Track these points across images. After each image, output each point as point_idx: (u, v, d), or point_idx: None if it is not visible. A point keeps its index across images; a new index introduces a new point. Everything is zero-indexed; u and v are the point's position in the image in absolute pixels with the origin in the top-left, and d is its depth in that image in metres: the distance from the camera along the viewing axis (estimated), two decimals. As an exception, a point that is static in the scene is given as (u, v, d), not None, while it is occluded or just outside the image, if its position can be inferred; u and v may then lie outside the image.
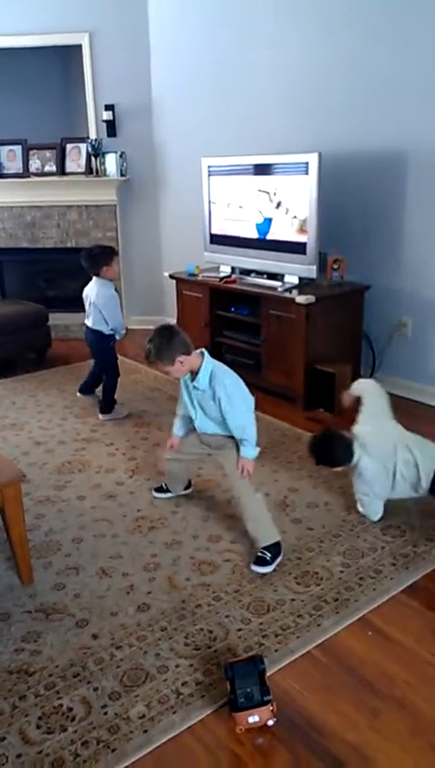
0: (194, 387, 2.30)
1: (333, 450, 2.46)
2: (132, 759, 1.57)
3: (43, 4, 4.84)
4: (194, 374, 2.28)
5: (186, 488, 2.74)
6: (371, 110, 3.60)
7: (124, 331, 3.60)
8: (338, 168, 3.71)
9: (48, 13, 4.85)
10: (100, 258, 3.42)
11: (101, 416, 3.62)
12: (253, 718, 1.62)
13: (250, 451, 2.31)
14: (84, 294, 3.53)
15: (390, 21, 3.40)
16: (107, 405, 3.63)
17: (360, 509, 2.54)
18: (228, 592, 2.14)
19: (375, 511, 2.50)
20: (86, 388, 3.82)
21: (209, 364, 2.28)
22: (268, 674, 1.73)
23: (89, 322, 3.53)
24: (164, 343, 2.21)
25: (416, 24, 3.29)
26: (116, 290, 3.56)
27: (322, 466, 2.63)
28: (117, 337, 3.58)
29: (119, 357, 3.74)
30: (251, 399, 2.38)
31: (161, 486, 2.76)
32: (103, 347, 3.58)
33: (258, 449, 2.34)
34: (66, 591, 2.17)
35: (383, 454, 2.41)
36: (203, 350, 2.32)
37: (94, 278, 3.47)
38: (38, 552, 2.39)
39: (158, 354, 2.22)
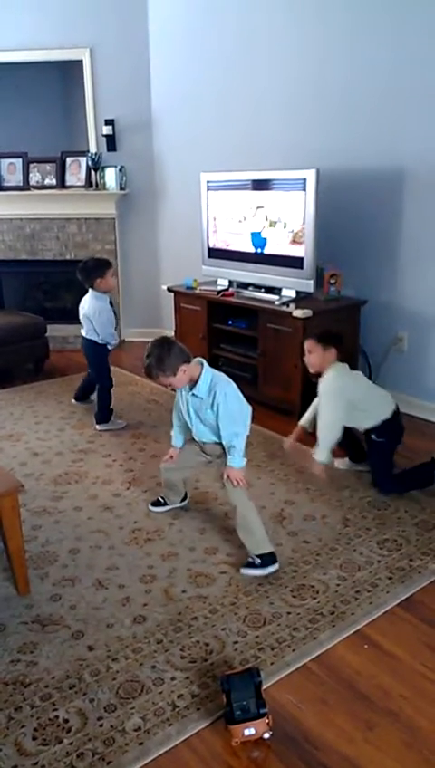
0: (193, 395, 2.31)
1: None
2: (128, 771, 1.57)
3: (45, 20, 4.91)
4: (193, 383, 2.30)
5: (182, 500, 2.75)
6: (369, 127, 3.65)
7: (115, 342, 3.63)
8: (336, 183, 3.76)
9: (49, 28, 4.92)
10: (93, 271, 3.47)
11: (97, 426, 3.63)
12: (249, 731, 1.62)
13: (238, 460, 2.32)
14: (80, 306, 3.60)
15: (389, 38, 3.46)
16: (102, 415, 3.65)
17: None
18: (225, 605, 2.15)
19: None
20: (81, 395, 3.91)
21: (209, 372, 2.31)
22: (264, 687, 1.73)
23: (83, 332, 3.61)
24: (165, 355, 2.23)
25: (416, 42, 3.35)
26: (111, 303, 3.59)
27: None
28: (108, 347, 3.62)
29: (115, 368, 3.78)
30: (248, 409, 2.40)
31: (158, 500, 2.76)
32: (96, 355, 3.63)
33: (245, 460, 2.35)
34: (62, 603, 2.17)
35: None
36: (201, 359, 2.34)
37: (90, 290, 3.53)
38: (34, 563, 2.39)
39: (160, 366, 2.23)
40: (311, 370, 2.87)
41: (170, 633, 2.02)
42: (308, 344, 2.84)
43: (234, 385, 2.37)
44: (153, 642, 1.98)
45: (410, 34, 3.36)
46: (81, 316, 3.59)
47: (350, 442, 2.98)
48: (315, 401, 2.88)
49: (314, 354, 2.81)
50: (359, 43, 3.60)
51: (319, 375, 2.82)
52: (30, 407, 4.02)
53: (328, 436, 2.70)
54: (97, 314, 3.50)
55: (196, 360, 2.32)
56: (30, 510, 2.76)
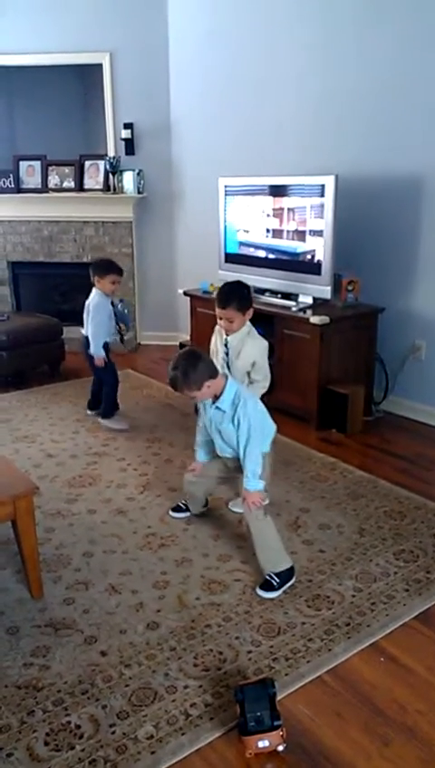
0: (216, 407, 2.29)
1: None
2: (140, 780, 1.56)
3: (65, 24, 4.94)
4: (216, 396, 2.28)
5: (203, 506, 2.73)
6: (388, 134, 3.63)
7: (101, 354, 3.61)
8: (354, 190, 3.73)
9: (69, 32, 4.95)
10: (96, 268, 3.59)
11: (100, 420, 3.70)
12: (263, 743, 1.60)
13: (253, 483, 2.24)
14: (87, 301, 3.66)
15: (409, 46, 3.44)
16: (106, 410, 3.70)
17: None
18: (238, 613, 2.13)
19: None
20: (94, 403, 3.88)
21: (234, 385, 2.28)
22: (278, 698, 1.71)
23: (83, 330, 3.68)
24: (190, 369, 2.19)
25: (436, 52, 3.33)
26: (113, 304, 3.66)
27: None
28: (108, 340, 3.67)
29: (130, 371, 3.78)
30: (272, 429, 2.40)
31: (179, 506, 2.75)
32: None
33: (263, 482, 2.27)
34: (75, 607, 2.16)
35: None
36: (227, 372, 2.33)
37: (94, 288, 3.62)
38: (48, 565, 2.39)
39: (185, 380, 2.19)
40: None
41: (184, 640, 2.00)
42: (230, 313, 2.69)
43: (260, 403, 2.37)
44: (166, 649, 1.97)
45: (429, 42, 3.34)
46: (85, 311, 3.65)
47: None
48: None
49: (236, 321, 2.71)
50: (379, 50, 3.58)
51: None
52: (45, 408, 4.03)
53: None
54: (92, 309, 3.56)
55: (222, 373, 2.30)
56: (44, 512, 2.76)
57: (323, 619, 2.09)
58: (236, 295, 2.69)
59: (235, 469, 2.42)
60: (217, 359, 2.76)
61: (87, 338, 3.62)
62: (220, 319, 2.73)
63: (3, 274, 5.48)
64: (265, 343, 2.77)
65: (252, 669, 1.89)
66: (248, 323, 2.78)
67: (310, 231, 3.69)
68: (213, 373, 2.23)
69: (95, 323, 3.57)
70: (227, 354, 2.76)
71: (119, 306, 3.68)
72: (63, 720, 1.72)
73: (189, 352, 2.30)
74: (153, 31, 4.95)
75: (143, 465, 3.22)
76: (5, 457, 2.62)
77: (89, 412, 3.87)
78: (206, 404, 2.35)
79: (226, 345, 2.75)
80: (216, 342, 2.85)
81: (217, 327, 2.84)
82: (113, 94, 5.09)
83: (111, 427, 3.65)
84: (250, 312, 2.73)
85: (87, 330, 3.61)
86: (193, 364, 2.20)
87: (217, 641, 2.00)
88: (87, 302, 3.63)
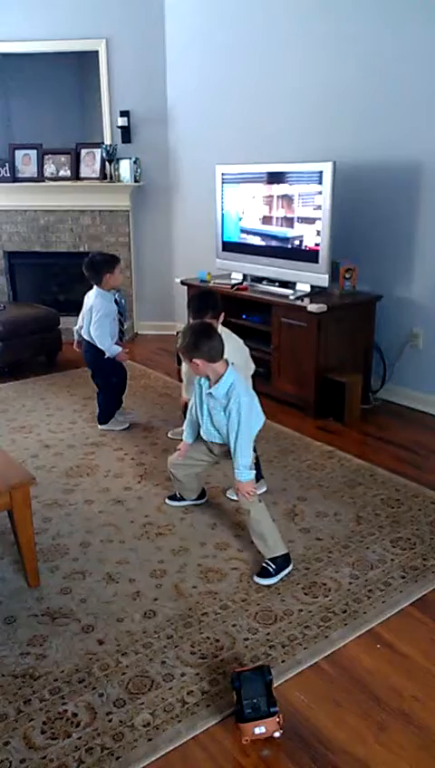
0: (209, 393, 2.29)
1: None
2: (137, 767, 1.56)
3: (61, 11, 4.89)
4: (214, 381, 2.27)
5: (199, 497, 2.73)
6: (386, 121, 3.60)
7: (112, 353, 3.36)
8: (352, 177, 3.71)
9: (65, 19, 4.90)
10: (103, 266, 3.28)
11: (100, 426, 3.53)
12: (259, 729, 1.60)
13: (244, 474, 2.22)
14: (84, 302, 3.39)
15: (407, 33, 3.40)
16: (106, 414, 3.53)
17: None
18: (235, 601, 2.13)
19: None
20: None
21: (232, 376, 2.26)
22: (275, 685, 1.72)
23: (82, 332, 3.40)
24: (190, 341, 2.22)
25: (433, 38, 3.29)
26: (116, 302, 3.38)
27: None
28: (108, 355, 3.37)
29: (128, 361, 3.69)
30: (261, 421, 2.38)
31: (175, 494, 2.75)
32: (97, 358, 3.40)
33: (253, 472, 2.26)
34: (72, 596, 2.16)
35: None
36: (229, 361, 2.31)
37: (95, 287, 3.34)
38: (45, 555, 2.39)
39: (186, 348, 2.24)
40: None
41: (181, 629, 2.01)
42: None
43: (253, 397, 2.35)
44: (163, 637, 1.97)
45: (427, 29, 3.30)
46: (82, 312, 3.40)
47: None
48: None
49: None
50: (375, 36, 3.54)
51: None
52: (42, 399, 4.02)
53: None
54: (96, 312, 3.27)
55: (224, 360, 2.28)
56: (41, 502, 2.76)
57: (320, 606, 2.09)
58: (209, 304, 2.76)
59: (221, 454, 2.42)
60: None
61: (88, 343, 3.37)
62: None
63: (-1, 264, 5.45)
64: (240, 342, 2.76)
65: (249, 657, 1.89)
66: (224, 330, 2.79)
67: (307, 218, 3.67)
68: (212, 357, 2.22)
69: (101, 326, 3.28)
70: None
71: (116, 296, 3.50)
72: (60, 708, 1.72)
73: (200, 329, 2.29)
74: (149, 17, 4.90)
75: (140, 455, 3.22)
76: (2, 448, 2.62)
77: (100, 427, 3.54)
78: (203, 385, 2.34)
79: None
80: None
81: None
82: (109, 82, 5.05)
83: (114, 429, 3.51)
84: (222, 317, 2.80)
85: (92, 332, 3.31)
86: (196, 338, 2.21)
87: (213, 629, 2.00)
88: (87, 304, 3.35)
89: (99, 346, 3.34)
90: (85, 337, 3.41)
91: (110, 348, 3.34)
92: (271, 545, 2.24)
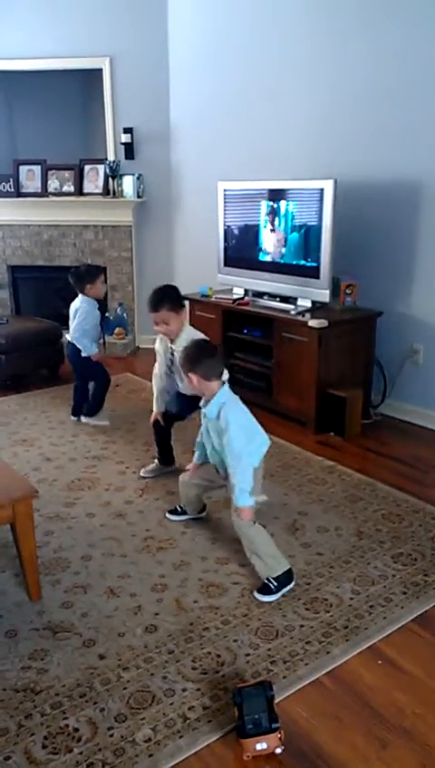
0: (203, 413, 2.30)
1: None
2: (138, 783, 1.56)
3: (66, 29, 4.96)
4: (207, 400, 2.28)
5: (200, 512, 2.73)
6: (387, 139, 3.64)
7: (91, 352, 3.68)
8: (353, 194, 3.75)
9: (70, 37, 4.97)
10: (85, 276, 3.62)
11: (84, 418, 3.80)
12: (261, 745, 1.60)
13: (242, 500, 2.18)
14: (71, 308, 3.71)
15: (409, 51, 3.46)
16: (93, 407, 3.80)
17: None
18: (236, 616, 2.13)
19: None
20: (78, 410, 3.88)
21: (223, 396, 2.24)
22: (276, 700, 1.72)
23: (69, 336, 3.72)
24: (191, 354, 2.26)
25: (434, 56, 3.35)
26: (100, 309, 3.72)
27: None
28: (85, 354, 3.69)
29: (128, 375, 3.80)
30: (263, 444, 2.29)
31: (176, 509, 2.75)
32: (83, 361, 3.72)
33: (253, 499, 2.21)
34: (74, 610, 2.17)
35: None
36: (226, 380, 2.29)
37: (80, 295, 3.66)
38: (46, 569, 2.39)
39: (184, 361, 2.28)
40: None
41: (182, 643, 2.00)
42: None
43: (246, 415, 2.27)
44: (164, 652, 1.97)
45: (429, 48, 3.36)
46: (70, 317, 3.69)
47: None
48: None
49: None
50: (377, 55, 3.60)
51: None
52: (44, 412, 4.04)
53: None
54: (80, 314, 3.61)
55: (221, 380, 2.27)
56: (43, 515, 2.76)
57: (322, 621, 2.09)
58: (166, 296, 2.79)
59: (225, 477, 2.41)
60: (161, 364, 2.96)
61: (72, 343, 3.69)
62: (157, 325, 2.84)
63: (2, 278, 5.49)
64: (200, 335, 2.83)
65: (250, 672, 1.89)
66: (189, 329, 2.86)
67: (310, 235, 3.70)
68: (207, 375, 2.23)
69: (82, 328, 3.63)
70: (172, 362, 2.87)
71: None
72: (61, 723, 1.72)
73: (204, 345, 2.32)
74: (153, 36, 4.98)
75: (142, 469, 3.22)
76: (4, 461, 2.63)
77: (73, 418, 3.87)
78: (202, 406, 2.35)
79: (171, 354, 2.84)
80: (159, 350, 2.99)
81: (159, 336, 2.96)
82: (113, 99, 5.11)
83: (97, 423, 3.76)
84: (184, 313, 2.83)
85: (72, 333, 3.67)
86: (199, 353, 2.25)
87: (215, 644, 2.00)
88: (73, 307, 3.68)
89: (77, 344, 3.66)
90: (68, 337, 3.73)
91: (86, 347, 3.65)
92: (270, 563, 2.23)
